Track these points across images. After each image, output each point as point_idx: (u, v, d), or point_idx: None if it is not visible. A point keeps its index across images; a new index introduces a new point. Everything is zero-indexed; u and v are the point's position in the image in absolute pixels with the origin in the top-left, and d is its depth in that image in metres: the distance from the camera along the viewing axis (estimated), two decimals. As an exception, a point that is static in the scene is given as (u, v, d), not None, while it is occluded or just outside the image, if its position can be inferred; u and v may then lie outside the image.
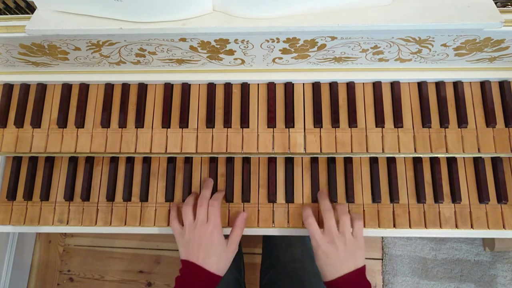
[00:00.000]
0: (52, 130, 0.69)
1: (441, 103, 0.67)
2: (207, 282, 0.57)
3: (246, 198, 0.66)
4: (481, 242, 1.32)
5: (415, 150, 0.65)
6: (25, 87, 0.71)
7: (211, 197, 0.63)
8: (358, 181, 0.66)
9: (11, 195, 0.68)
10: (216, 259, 0.58)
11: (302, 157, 0.68)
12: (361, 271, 0.58)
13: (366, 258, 0.58)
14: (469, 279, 1.29)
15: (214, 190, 0.67)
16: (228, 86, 0.69)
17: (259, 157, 0.68)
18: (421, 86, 0.68)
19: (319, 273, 0.81)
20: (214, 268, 0.58)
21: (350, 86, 0.68)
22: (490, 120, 0.65)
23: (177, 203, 0.67)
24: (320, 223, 0.61)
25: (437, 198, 0.64)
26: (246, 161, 0.68)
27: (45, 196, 0.68)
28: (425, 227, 0.64)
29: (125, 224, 0.67)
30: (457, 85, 0.67)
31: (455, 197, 0.64)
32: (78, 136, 0.69)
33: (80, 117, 0.69)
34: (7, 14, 0.69)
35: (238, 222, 0.62)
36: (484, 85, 0.67)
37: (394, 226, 0.65)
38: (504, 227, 0.64)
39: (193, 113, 0.69)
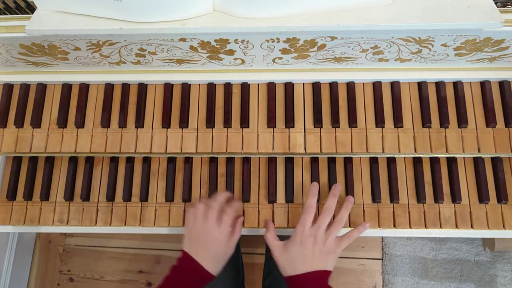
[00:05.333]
0: (52, 130, 0.69)
1: (441, 103, 0.67)
2: (201, 278, 0.59)
3: (246, 198, 0.66)
4: (481, 242, 1.32)
5: (415, 150, 0.65)
6: (25, 87, 0.71)
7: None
8: (358, 181, 0.66)
9: (11, 195, 0.68)
10: (215, 262, 0.60)
11: (302, 157, 0.68)
12: (327, 274, 0.58)
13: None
14: (469, 279, 1.29)
15: (214, 191, 0.67)
16: (228, 86, 0.69)
17: (259, 157, 0.68)
18: (421, 86, 0.68)
19: None
20: (210, 267, 0.59)
21: (350, 86, 0.68)
22: (490, 120, 0.65)
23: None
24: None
25: (437, 198, 0.64)
26: (246, 161, 0.68)
27: (45, 196, 0.68)
28: (425, 227, 0.64)
29: (125, 224, 0.67)
30: (457, 85, 0.67)
31: (455, 197, 0.64)
32: (78, 136, 0.69)
33: (80, 117, 0.69)
34: (7, 14, 0.69)
35: (237, 227, 0.63)
36: (484, 85, 0.67)
37: (394, 226, 0.65)
38: (504, 227, 0.64)
39: (193, 113, 0.69)
